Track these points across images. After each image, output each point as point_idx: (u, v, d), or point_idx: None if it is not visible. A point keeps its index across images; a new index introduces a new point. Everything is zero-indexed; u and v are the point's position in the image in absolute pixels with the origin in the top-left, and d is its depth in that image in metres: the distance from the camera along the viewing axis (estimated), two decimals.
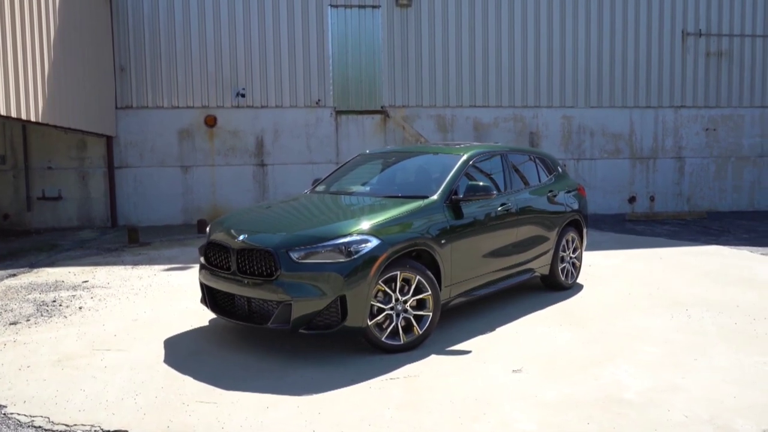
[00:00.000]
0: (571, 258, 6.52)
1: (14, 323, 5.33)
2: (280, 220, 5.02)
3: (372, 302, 4.29)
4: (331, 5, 12.90)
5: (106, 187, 12.46)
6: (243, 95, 12.73)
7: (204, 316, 5.43)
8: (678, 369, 4.11)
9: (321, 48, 12.89)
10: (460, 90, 13.38)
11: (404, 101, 13.24)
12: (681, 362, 4.24)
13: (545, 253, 6.11)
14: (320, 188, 6.01)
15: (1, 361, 4.36)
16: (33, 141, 12.22)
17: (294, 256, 4.21)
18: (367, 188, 5.80)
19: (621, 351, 4.48)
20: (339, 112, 13.05)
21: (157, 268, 7.82)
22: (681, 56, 14.12)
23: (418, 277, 4.48)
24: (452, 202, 5.04)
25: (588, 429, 3.26)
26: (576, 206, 6.64)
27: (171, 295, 6.35)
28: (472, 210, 5.17)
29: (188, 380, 3.97)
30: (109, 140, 12.32)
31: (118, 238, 10.71)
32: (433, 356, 4.37)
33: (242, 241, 4.43)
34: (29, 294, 6.42)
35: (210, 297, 4.79)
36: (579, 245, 6.68)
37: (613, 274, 7.21)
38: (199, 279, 4.91)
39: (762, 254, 8.46)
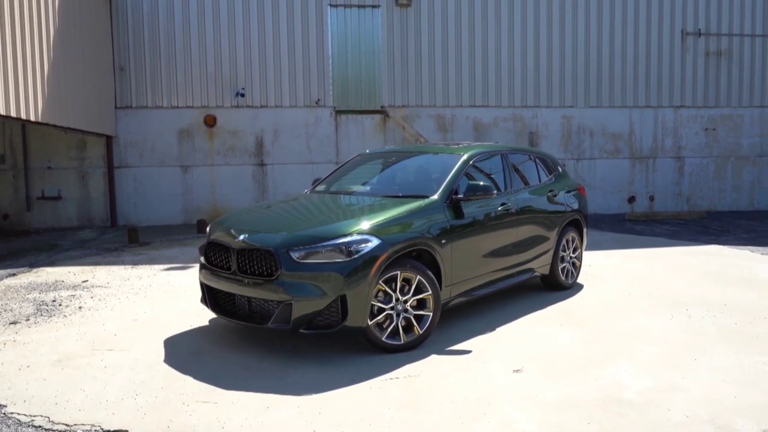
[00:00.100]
0: (571, 258, 6.52)
1: (14, 323, 5.33)
2: (280, 220, 5.02)
3: (372, 302, 4.29)
4: (331, 5, 12.90)
5: (105, 187, 12.46)
6: (243, 95, 12.72)
7: (204, 316, 5.43)
8: (678, 369, 4.11)
9: (321, 48, 12.89)
10: (460, 90, 13.39)
11: (404, 101, 13.24)
12: (681, 362, 4.24)
13: (545, 252, 6.11)
14: (320, 188, 6.01)
15: (1, 361, 4.36)
16: (32, 141, 12.22)
17: (294, 255, 4.20)
18: (368, 188, 5.80)
19: (621, 351, 4.48)
20: (339, 112, 13.04)
21: (157, 268, 7.81)
22: (680, 56, 14.12)
23: (418, 276, 4.48)
24: (452, 202, 5.04)
25: (588, 429, 3.26)
26: (576, 206, 6.64)
27: (171, 295, 6.35)
28: (472, 210, 5.17)
29: (188, 380, 3.97)
30: (108, 140, 12.32)
31: (118, 237, 10.71)
32: (433, 356, 4.37)
33: (243, 240, 4.43)
34: (29, 294, 6.41)
35: (210, 297, 4.79)
36: (579, 245, 6.68)
37: (613, 274, 7.21)
38: (200, 279, 4.91)
39: (762, 254, 8.47)
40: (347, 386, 3.84)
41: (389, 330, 4.39)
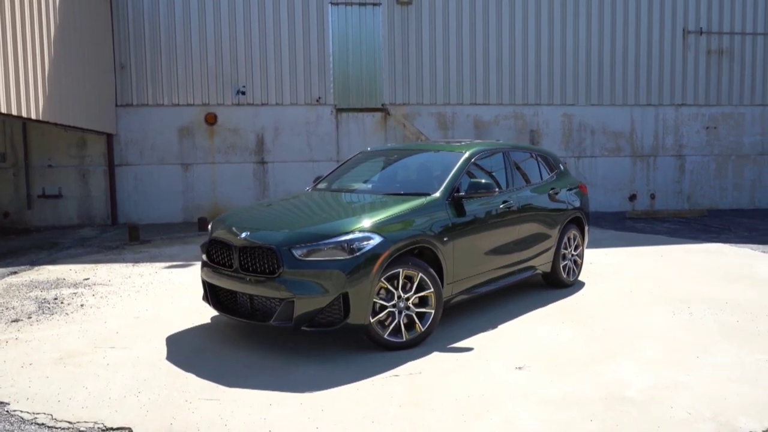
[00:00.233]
0: (572, 255, 6.52)
1: (16, 321, 5.33)
2: (282, 218, 5.02)
3: (374, 299, 4.29)
4: (332, 3, 12.88)
5: (106, 185, 12.46)
6: (243, 93, 12.71)
7: (206, 314, 5.43)
8: (680, 366, 4.11)
9: (321, 45, 12.88)
10: (461, 88, 13.38)
11: (405, 99, 13.23)
12: (683, 360, 4.24)
13: (547, 250, 6.11)
14: (322, 186, 6.01)
15: (4, 359, 4.36)
16: (33, 139, 12.22)
17: (296, 253, 4.20)
18: (369, 186, 5.80)
19: (623, 348, 4.48)
20: (339, 110, 13.04)
21: (158, 266, 7.81)
22: (682, 54, 14.11)
23: (420, 274, 4.48)
24: (454, 200, 5.03)
25: (591, 426, 3.26)
26: (577, 204, 6.63)
27: (172, 293, 6.35)
28: (474, 207, 5.17)
29: (191, 377, 3.97)
30: (109, 138, 12.32)
31: (119, 235, 10.71)
32: (435, 353, 4.37)
33: (245, 238, 4.43)
34: (30, 292, 6.42)
35: (212, 294, 4.79)
36: (580, 243, 6.68)
37: (614, 272, 7.21)
38: (201, 276, 4.91)
39: (763, 252, 8.46)
40: (349, 384, 3.84)
41: (391, 327, 4.39)
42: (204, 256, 4.88)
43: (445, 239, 4.75)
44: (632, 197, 14.19)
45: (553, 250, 6.19)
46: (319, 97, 12.94)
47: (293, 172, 12.88)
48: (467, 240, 5.01)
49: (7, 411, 3.50)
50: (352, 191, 5.65)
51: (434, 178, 5.35)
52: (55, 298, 6.10)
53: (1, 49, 7.72)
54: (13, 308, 5.75)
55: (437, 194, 5.00)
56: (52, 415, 3.44)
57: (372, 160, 6.40)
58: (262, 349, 4.51)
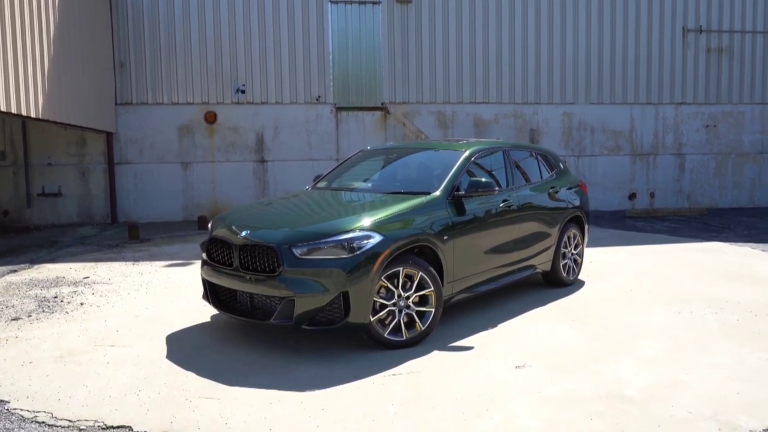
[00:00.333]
0: (572, 254, 6.52)
1: (16, 319, 5.33)
2: (282, 217, 5.01)
3: (375, 298, 4.29)
4: (332, 1, 12.87)
5: (106, 184, 12.45)
6: (243, 91, 12.70)
7: (206, 312, 5.43)
8: (680, 365, 4.11)
9: (321, 44, 12.87)
10: (461, 86, 13.37)
11: (404, 98, 13.22)
12: (683, 358, 4.24)
13: (547, 249, 6.11)
14: (322, 184, 6.01)
15: (4, 357, 4.36)
16: (33, 137, 12.21)
17: (297, 252, 4.20)
18: (369, 184, 5.79)
19: (623, 347, 4.48)
20: (339, 109, 13.03)
21: (158, 265, 7.81)
22: (681, 53, 14.11)
23: (420, 273, 4.47)
24: (454, 199, 5.03)
25: (591, 425, 3.26)
26: (577, 203, 6.63)
27: (172, 291, 6.35)
28: (474, 206, 5.17)
29: (191, 376, 3.97)
30: (108, 136, 12.31)
31: (119, 234, 10.70)
32: (435, 352, 4.37)
33: (245, 237, 4.43)
34: (30, 290, 6.41)
35: (212, 293, 4.79)
36: (580, 242, 6.68)
37: (614, 271, 7.22)
38: (201, 275, 4.91)
39: (762, 251, 8.47)
40: (350, 382, 3.84)
41: (391, 326, 4.39)
42: (204, 255, 4.88)
43: (445, 238, 4.75)
44: (632, 196, 14.20)
45: (553, 249, 6.19)
46: (319, 96, 12.93)
47: (293, 171, 12.88)
48: (467, 239, 5.01)
49: (8, 409, 3.49)
50: (352, 190, 5.65)
51: (434, 176, 5.35)
52: (55, 297, 6.09)
53: (0, 48, 7.71)
54: (13, 306, 5.75)
55: (437, 193, 5.00)
56: (52, 413, 3.44)
57: (372, 159, 6.39)
58: (262, 348, 4.51)
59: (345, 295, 4.16)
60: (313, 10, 12.79)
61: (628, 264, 7.64)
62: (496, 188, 5.30)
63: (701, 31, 14.07)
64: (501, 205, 5.49)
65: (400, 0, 12.96)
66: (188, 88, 12.59)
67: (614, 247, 8.87)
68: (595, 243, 8.89)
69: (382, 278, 4.30)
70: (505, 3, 13.37)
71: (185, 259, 8.14)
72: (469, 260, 5.06)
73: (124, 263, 7.93)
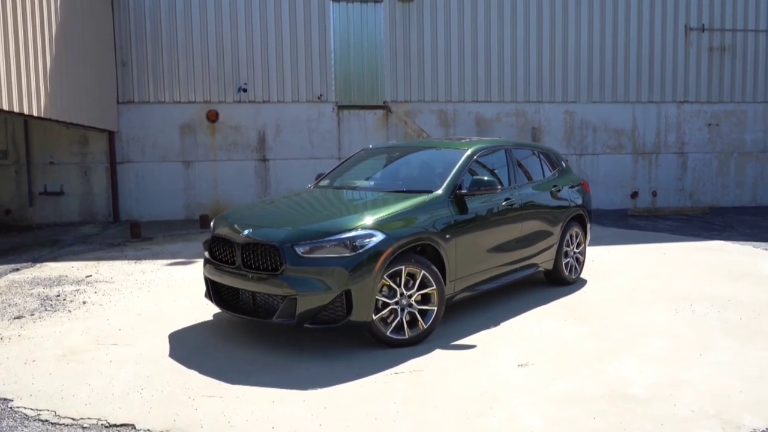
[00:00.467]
0: (574, 253, 6.52)
1: (19, 317, 5.34)
2: (284, 215, 5.01)
3: (377, 297, 4.28)
4: (333, 0, 12.86)
5: (108, 183, 12.47)
6: (245, 90, 12.71)
7: (208, 311, 5.43)
8: (683, 364, 4.11)
9: (323, 43, 12.87)
10: (462, 85, 13.36)
11: (406, 96, 13.21)
12: (686, 357, 4.24)
13: (549, 248, 6.10)
14: (324, 183, 6.01)
15: (7, 355, 4.37)
16: (35, 136, 12.22)
17: (299, 250, 4.20)
18: (371, 183, 5.79)
19: (626, 346, 4.48)
20: (341, 107, 13.03)
21: (160, 263, 7.82)
22: (684, 51, 14.08)
23: (422, 271, 4.47)
24: (457, 197, 5.03)
25: (594, 424, 3.26)
26: (580, 201, 6.62)
27: (175, 290, 6.35)
28: (476, 205, 5.17)
29: (194, 374, 3.97)
30: (110, 135, 12.32)
31: (121, 233, 10.71)
32: (438, 351, 4.37)
33: (247, 235, 4.43)
34: (33, 289, 6.42)
35: (214, 291, 4.79)
36: (583, 240, 6.67)
37: (616, 269, 7.21)
38: (204, 273, 4.91)
39: (765, 249, 8.45)
40: (352, 381, 3.84)
41: (394, 325, 4.39)
42: (206, 254, 4.88)
43: (447, 236, 4.75)
44: (634, 195, 14.18)
45: (555, 247, 6.18)
46: (321, 95, 12.93)
47: (295, 170, 12.88)
48: (469, 237, 5.01)
49: (11, 407, 3.50)
50: (354, 188, 5.64)
51: (436, 175, 5.34)
52: (58, 295, 6.10)
53: (3, 47, 7.72)
54: (16, 305, 5.75)
55: (439, 191, 4.99)
56: (55, 411, 3.44)
57: (374, 158, 6.39)
58: (264, 347, 4.51)
59: (347, 294, 4.16)
60: (314, 9, 12.79)
61: (630, 263, 7.64)
62: (498, 187, 5.30)
63: (704, 30, 14.04)
64: (503, 203, 5.48)
65: None
66: (190, 86, 12.59)
67: (616, 246, 8.86)
68: (597, 242, 8.88)
69: (385, 277, 4.29)
70: (507, 1, 13.35)
71: (187, 258, 8.14)
72: (472, 259, 5.05)
73: (126, 262, 7.94)
